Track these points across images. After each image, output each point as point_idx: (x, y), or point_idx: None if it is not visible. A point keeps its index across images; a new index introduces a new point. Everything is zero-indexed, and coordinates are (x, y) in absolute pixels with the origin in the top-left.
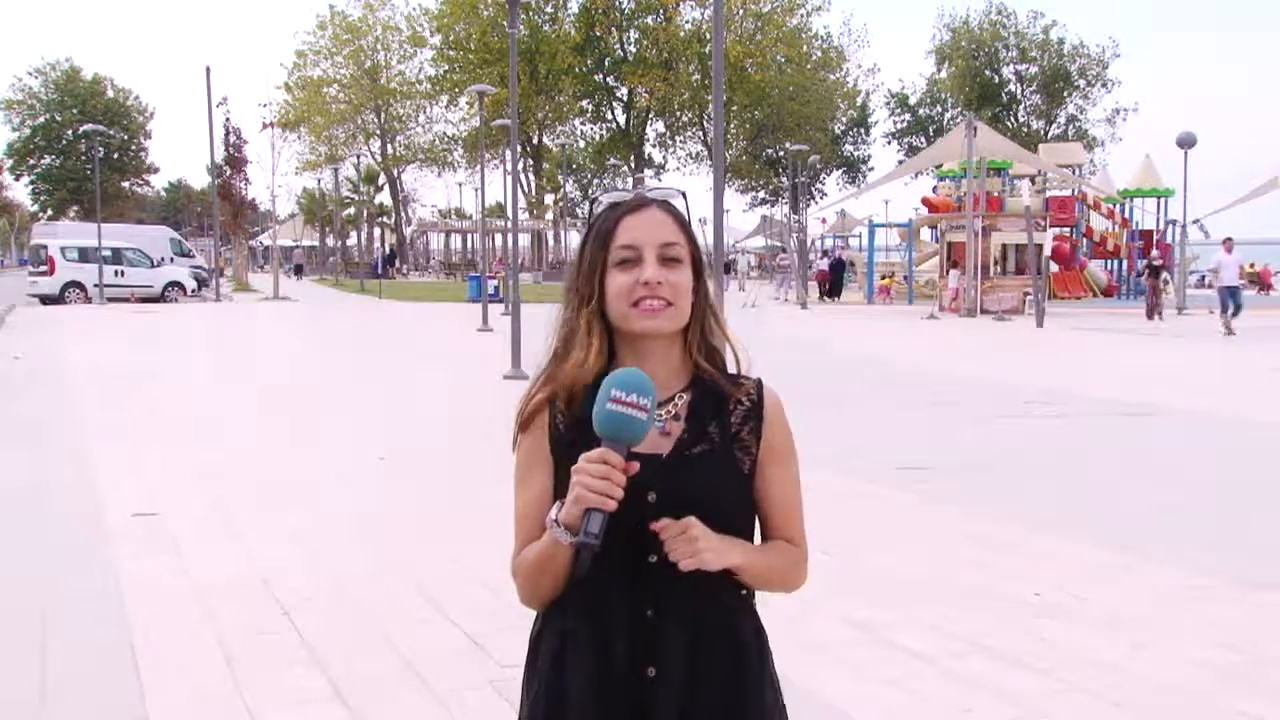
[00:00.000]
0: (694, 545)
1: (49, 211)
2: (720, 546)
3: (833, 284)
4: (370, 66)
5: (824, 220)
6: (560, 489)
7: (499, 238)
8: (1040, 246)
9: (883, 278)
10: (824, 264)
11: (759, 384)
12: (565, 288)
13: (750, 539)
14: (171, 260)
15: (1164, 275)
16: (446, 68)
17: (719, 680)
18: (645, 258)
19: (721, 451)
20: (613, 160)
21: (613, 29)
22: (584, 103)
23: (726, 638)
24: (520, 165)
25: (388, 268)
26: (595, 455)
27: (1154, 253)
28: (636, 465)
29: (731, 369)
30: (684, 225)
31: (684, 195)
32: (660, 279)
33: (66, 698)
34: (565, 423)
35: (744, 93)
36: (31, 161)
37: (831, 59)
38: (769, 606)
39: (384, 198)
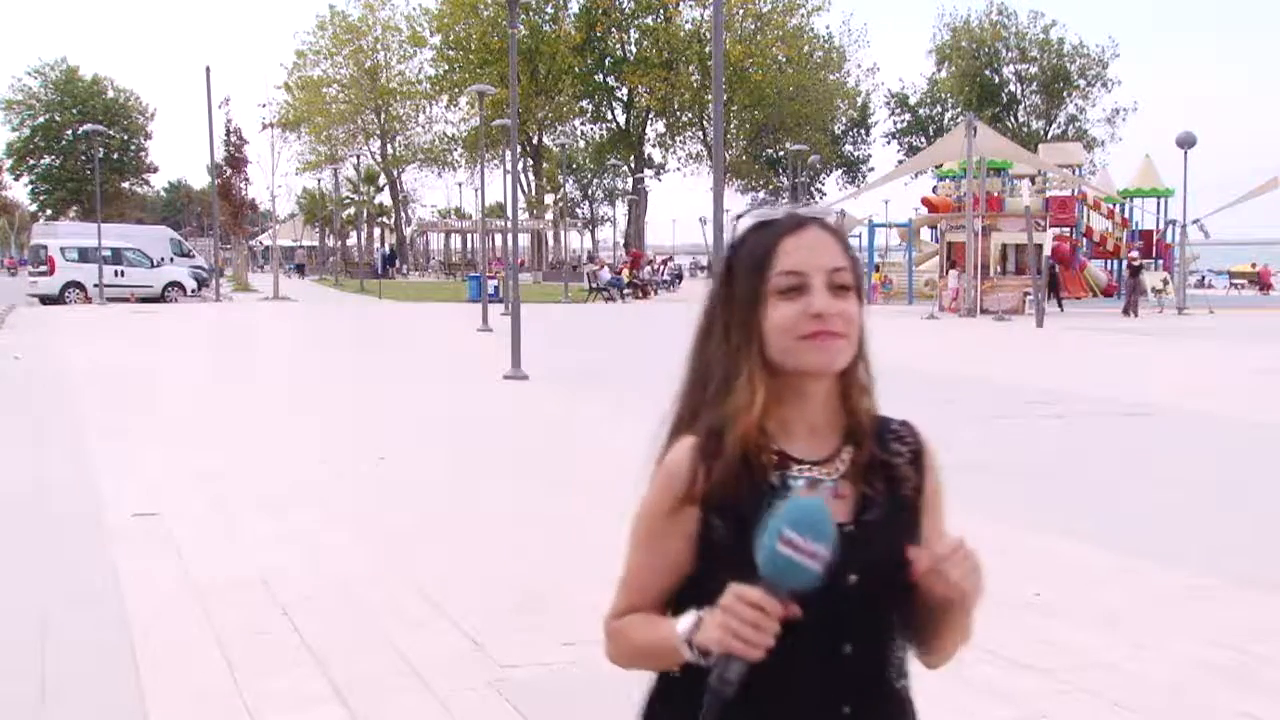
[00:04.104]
0: (979, 574)
1: (49, 211)
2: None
3: None
4: (370, 66)
5: None
6: (705, 561)
7: (499, 238)
8: (1040, 246)
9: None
10: None
11: (911, 427)
12: (706, 314)
13: None
14: (171, 260)
15: (1164, 275)
16: (446, 68)
17: None
18: (813, 284)
19: (894, 511)
20: (613, 160)
21: (613, 29)
22: (584, 103)
23: None
24: (520, 165)
25: (388, 268)
26: (752, 597)
27: (1133, 253)
28: (798, 609)
29: None
30: (848, 247)
31: (842, 214)
32: (833, 310)
33: (66, 698)
34: (716, 478)
35: (744, 93)
36: (31, 161)
37: (832, 59)
38: None
39: (384, 198)
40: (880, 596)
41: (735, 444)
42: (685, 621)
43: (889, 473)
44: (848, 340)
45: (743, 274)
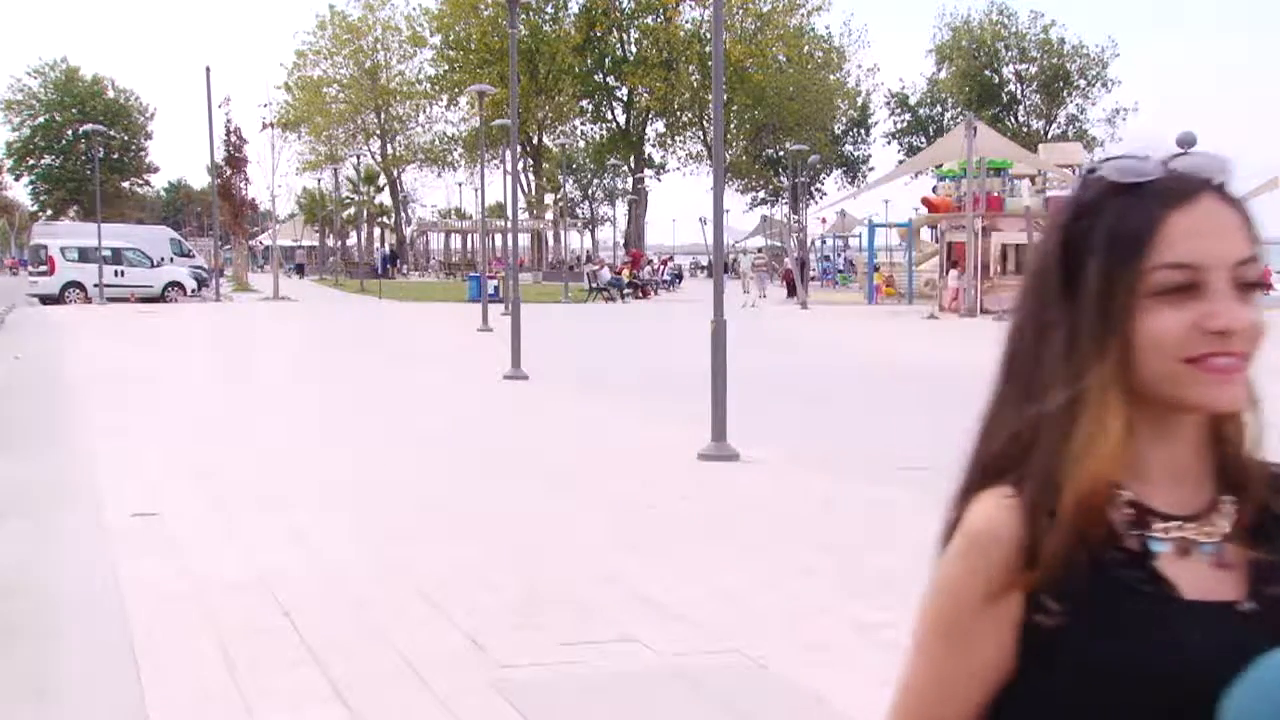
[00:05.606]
0: None
1: (49, 211)
2: None
3: (791, 285)
4: (370, 66)
5: (824, 220)
6: (1030, 659)
7: (499, 238)
8: None
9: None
10: (788, 263)
11: None
12: (1031, 309)
13: None
14: (171, 260)
15: None
16: (446, 68)
17: None
18: (1212, 285)
19: None
20: (613, 160)
21: (613, 29)
22: (584, 103)
23: None
24: (520, 165)
25: (388, 268)
26: None
27: None
28: None
29: None
30: (1252, 223)
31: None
32: (1240, 322)
33: (66, 698)
34: (1052, 546)
35: (744, 93)
36: (31, 161)
37: (832, 59)
38: (767, 607)
39: (384, 198)
40: None
41: (1081, 498)
42: None
43: None
44: (1249, 363)
45: (1102, 259)
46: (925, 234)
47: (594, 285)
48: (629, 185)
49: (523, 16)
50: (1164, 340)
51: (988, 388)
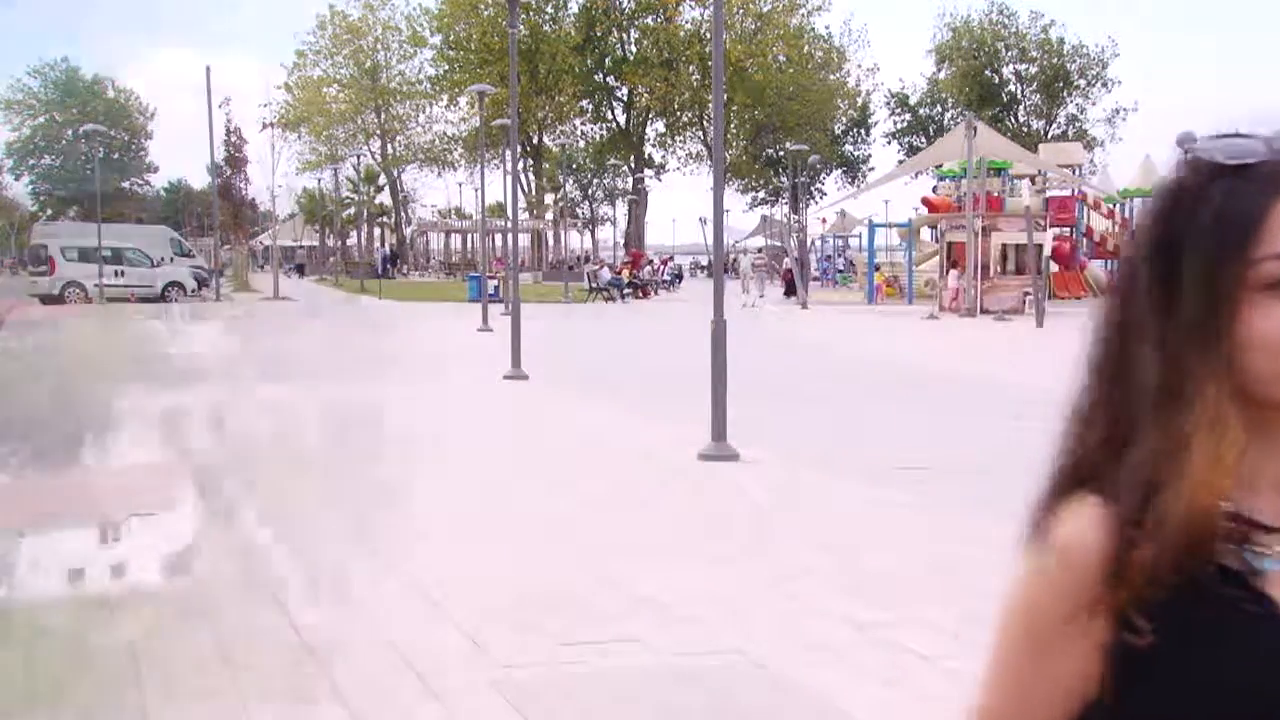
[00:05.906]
0: None
1: (49, 211)
2: None
3: (789, 284)
4: (370, 66)
5: (824, 220)
6: (1117, 680)
7: (499, 238)
8: (1040, 246)
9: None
10: (787, 263)
11: None
12: (1120, 305)
13: None
14: (171, 260)
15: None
16: (446, 68)
17: None
18: None
19: None
20: (613, 160)
21: (613, 29)
22: (584, 103)
23: None
24: (520, 165)
25: (388, 268)
26: None
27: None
28: None
29: None
30: None
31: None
32: None
33: (66, 698)
34: (1144, 565)
35: (744, 93)
36: (31, 161)
37: (832, 59)
38: (768, 607)
39: (384, 198)
40: None
41: (1184, 515)
42: None
43: None
44: None
45: (1205, 249)
46: (925, 234)
47: (594, 285)
48: (629, 185)
49: (523, 16)
50: (1273, 339)
51: (1075, 386)
